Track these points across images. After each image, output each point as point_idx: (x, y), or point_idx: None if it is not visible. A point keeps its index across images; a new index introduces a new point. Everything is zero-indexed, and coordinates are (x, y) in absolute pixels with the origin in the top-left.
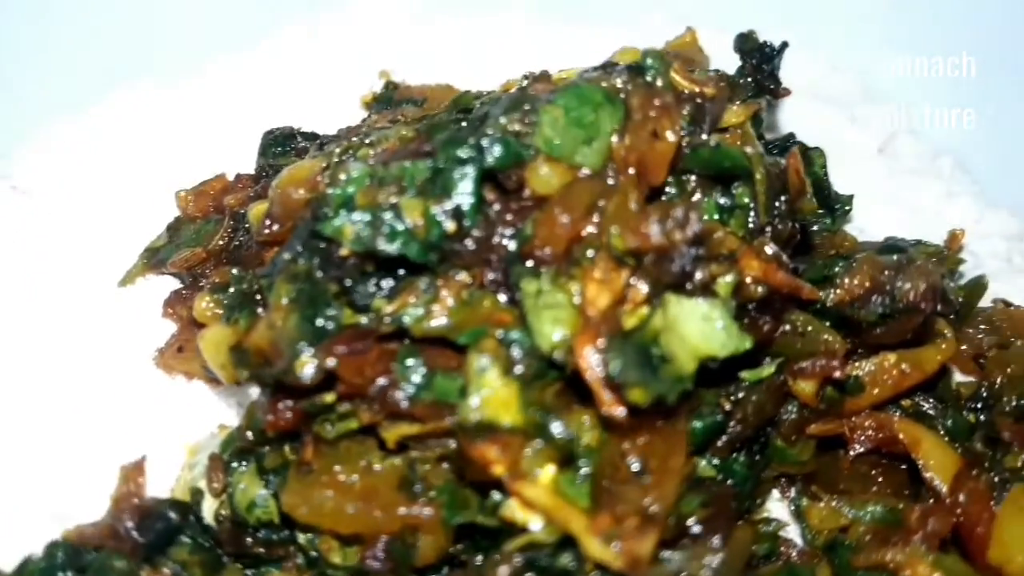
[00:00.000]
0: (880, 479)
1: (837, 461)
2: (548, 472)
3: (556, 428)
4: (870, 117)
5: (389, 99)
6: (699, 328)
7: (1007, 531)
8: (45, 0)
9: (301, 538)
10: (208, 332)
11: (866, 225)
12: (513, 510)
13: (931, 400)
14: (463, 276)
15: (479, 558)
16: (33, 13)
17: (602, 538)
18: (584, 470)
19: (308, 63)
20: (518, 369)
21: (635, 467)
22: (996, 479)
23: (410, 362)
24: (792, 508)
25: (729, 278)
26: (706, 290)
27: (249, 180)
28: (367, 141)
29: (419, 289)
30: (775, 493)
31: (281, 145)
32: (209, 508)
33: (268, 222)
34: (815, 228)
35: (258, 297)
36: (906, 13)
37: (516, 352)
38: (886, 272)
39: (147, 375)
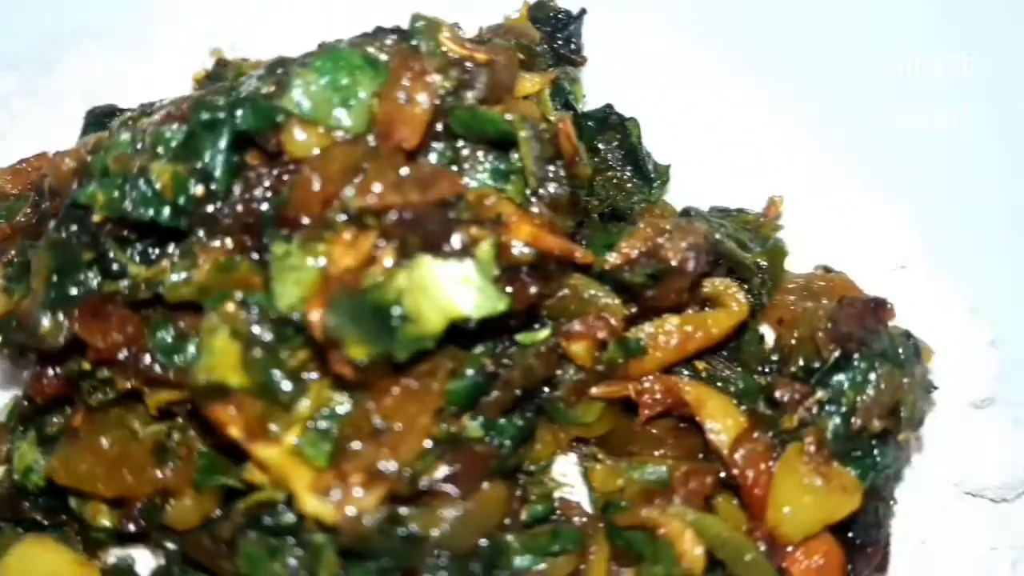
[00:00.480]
0: (671, 442)
1: (631, 425)
2: (288, 434)
3: (288, 389)
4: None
5: (220, 76)
6: (451, 289)
7: (781, 492)
8: None
9: (72, 503)
10: None
11: (698, 196)
12: (251, 472)
13: (728, 363)
14: (225, 242)
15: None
16: None
17: (319, 494)
18: (326, 431)
19: (144, 41)
20: (257, 331)
21: (378, 426)
22: (777, 441)
23: (160, 330)
24: (583, 470)
25: (488, 242)
26: (466, 253)
27: (60, 159)
28: (148, 112)
29: (176, 255)
30: (572, 457)
31: (101, 123)
32: None
33: (50, 195)
34: (634, 199)
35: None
36: None
37: (256, 314)
38: (663, 236)
39: None
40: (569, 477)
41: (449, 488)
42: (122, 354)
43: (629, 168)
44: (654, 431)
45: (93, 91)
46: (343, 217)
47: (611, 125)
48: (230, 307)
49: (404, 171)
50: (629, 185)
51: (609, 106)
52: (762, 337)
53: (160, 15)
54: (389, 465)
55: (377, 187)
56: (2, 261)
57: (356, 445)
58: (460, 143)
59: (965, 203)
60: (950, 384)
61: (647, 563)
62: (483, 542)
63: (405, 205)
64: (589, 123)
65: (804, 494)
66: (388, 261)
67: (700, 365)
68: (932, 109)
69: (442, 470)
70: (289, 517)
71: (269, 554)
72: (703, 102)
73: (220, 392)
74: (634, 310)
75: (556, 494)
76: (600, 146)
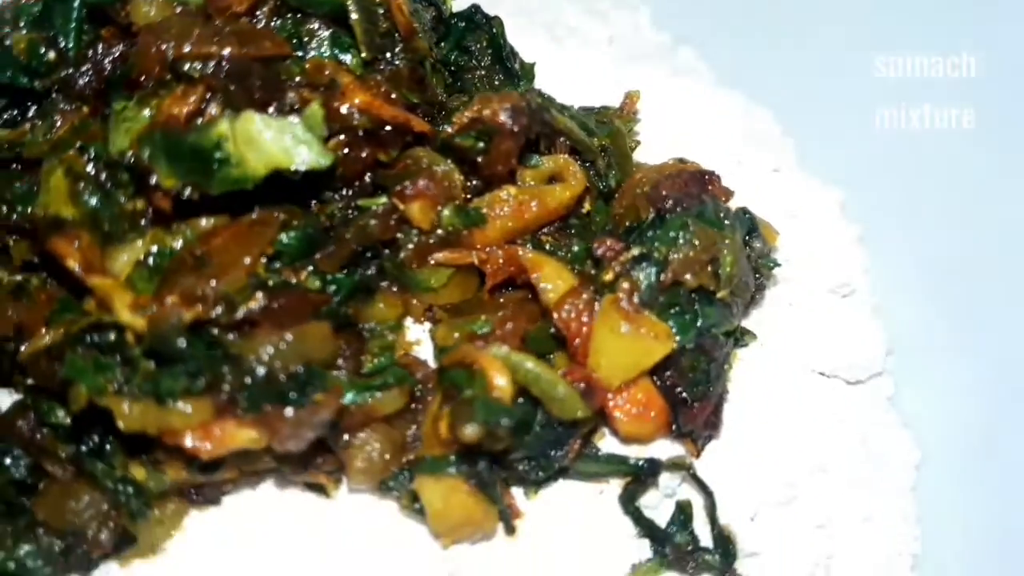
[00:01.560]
0: (516, 310)
1: (480, 295)
2: (123, 268)
3: (114, 220)
4: (609, 10)
5: None
6: (278, 142)
7: (598, 339)
8: None
9: None
10: None
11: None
12: (91, 303)
13: (571, 235)
14: (80, 107)
15: None
16: None
17: (135, 309)
18: (157, 266)
19: None
20: (94, 172)
21: (201, 260)
22: (597, 296)
23: (18, 179)
24: (430, 335)
25: (317, 103)
26: (294, 111)
27: None
28: None
29: (36, 119)
30: (428, 326)
31: None
32: None
33: None
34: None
35: None
36: None
37: (95, 161)
38: (491, 106)
39: None
40: (424, 345)
41: (267, 320)
42: None
43: (496, 66)
44: (501, 301)
45: None
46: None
47: (477, 24)
48: (69, 154)
49: (229, 28)
50: (496, 82)
51: (475, 6)
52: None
53: None
54: (205, 291)
55: (200, 37)
56: None
57: (178, 278)
58: (301, 16)
59: (835, 110)
60: (817, 274)
61: (464, 393)
62: (299, 369)
63: (229, 56)
64: (459, 23)
65: (617, 339)
66: (213, 111)
67: (546, 238)
68: (802, 16)
69: (260, 302)
70: (112, 336)
71: (95, 367)
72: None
73: (57, 225)
74: (475, 183)
75: (405, 353)
76: (468, 45)
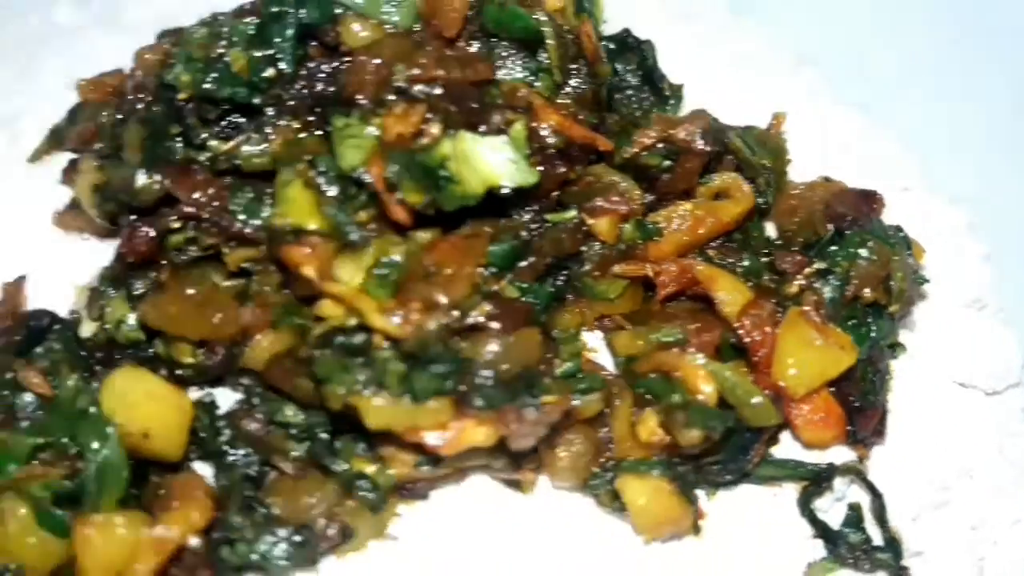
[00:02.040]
0: (686, 319)
1: (650, 305)
2: (355, 275)
3: (355, 231)
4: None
5: None
6: (490, 160)
7: (784, 349)
8: None
9: (160, 347)
10: (80, 177)
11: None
12: (323, 308)
13: (737, 251)
14: (291, 122)
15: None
16: None
17: (387, 315)
18: (386, 276)
19: None
20: (324, 185)
21: (431, 270)
22: (779, 308)
23: (239, 191)
24: (605, 342)
25: (520, 123)
26: (501, 133)
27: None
28: (218, 16)
29: (252, 132)
30: (598, 334)
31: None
32: (89, 330)
33: (132, 91)
34: (652, 116)
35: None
36: None
37: (324, 175)
38: (676, 127)
39: (50, 235)
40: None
41: (493, 325)
42: (207, 211)
43: (646, 88)
44: (670, 311)
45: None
46: (393, 96)
47: (629, 47)
48: (300, 166)
49: (444, 52)
50: (646, 103)
51: (626, 30)
52: (764, 231)
53: None
54: (442, 299)
55: (424, 62)
56: (94, 150)
57: (412, 286)
58: (494, 41)
59: (962, 129)
60: (946, 288)
61: (664, 399)
62: (519, 371)
63: (448, 79)
64: (609, 45)
65: (805, 349)
66: (434, 131)
67: (711, 252)
68: (927, 40)
69: (487, 309)
70: (358, 339)
71: (342, 369)
72: (713, 31)
73: (296, 235)
74: (651, 198)
75: (587, 360)
76: (619, 67)
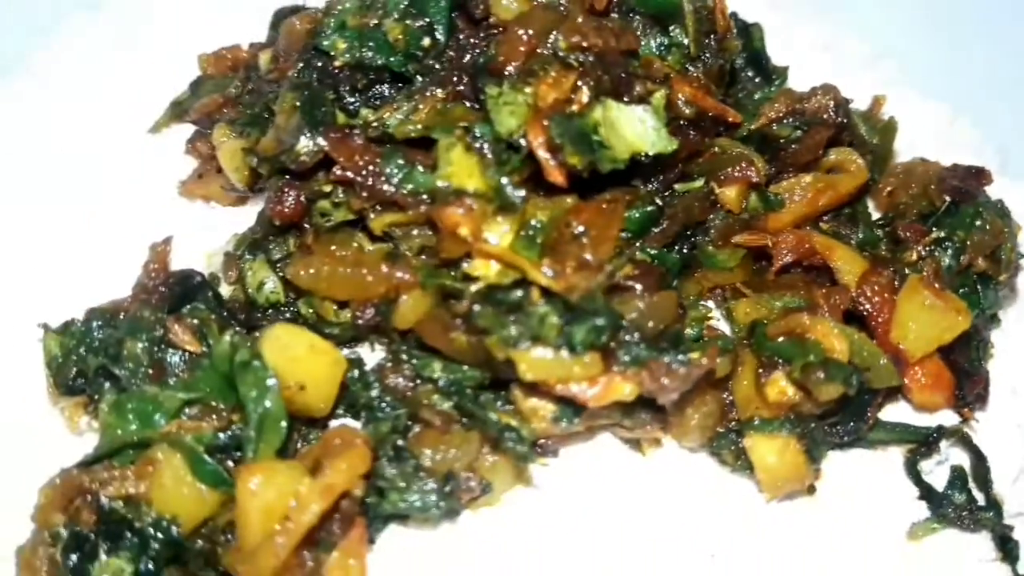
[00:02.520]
0: (799, 289)
1: (765, 274)
2: (506, 233)
3: (513, 194)
4: (818, 22)
5: None
6: (634, 127)
7: (904, 313)
8: None
9: (303, 308)
10: (225, 143)
11: None
12: (474, 267)
13: (846, 223)
14: (440, 91)
15: None
16: None
17: (546, 272)
18: (535, 235)
19: None
20: (481, 149)
21: (579, 231)
22: (896, 275)
23: (392, 157)
24: (723, 311)
25: (661, 93)
26: (642, 101)
27: (262, 46)
28: None
29: (401, 100)
30: (712, 304)
31: (287, 17)
32: (225, 293)
33: (276, 60)
34: (756, 97)
35: (267, 116)
36: None
37: (480, 140)
38: (801, 101)
39: (173, 204)
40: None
41: (636, 284)
42: (361, 175)
43: (751, 68)
44: (783, 281)
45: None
46: (545, 64)
47: (737, 28)
48: (458, 132)
49: (596, 20)
50: (751, 85)
51: (734, 14)
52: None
53: None
54: (591, 258)
55: (584, 30)
56: (227, 120)
57: (556, 245)
58: (632, 16)
59: None
60: None
61: (798, 360)
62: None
63: (603, 47)
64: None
65: (925, 313)
66: (585, 98)
67: (824, 225)
68: (1003, 34)
69: (631, 270)
70: (514, 295)
71: (501, 323)
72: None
73: (456, 195)
74: (771, 171)
75: (709, 325)
76: (732, 32)
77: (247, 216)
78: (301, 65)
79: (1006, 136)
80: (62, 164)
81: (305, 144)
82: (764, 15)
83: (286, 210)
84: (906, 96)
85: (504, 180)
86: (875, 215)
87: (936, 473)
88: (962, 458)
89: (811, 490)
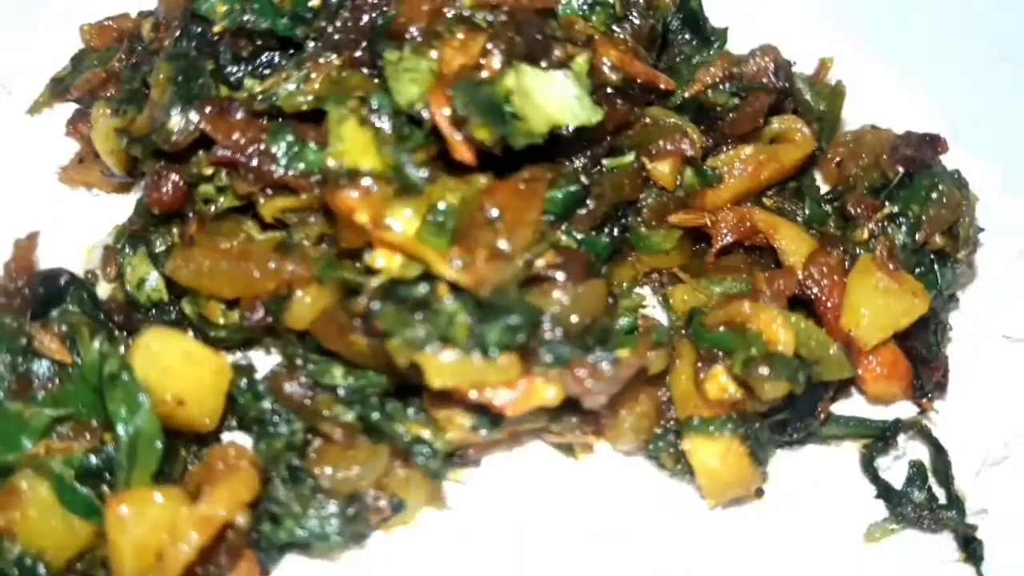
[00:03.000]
0: (741, 271)
1: (704, 256)
2: (410, 219)
3: (415, 173)
4: None
5: None
6: (553, 96)
7: (855, 298)
8: None
9: (187, 308)
10: (99, 124)
11: None
12: (375, 258)
13: (791, 198)
14: (335, 57)
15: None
16: None
17: (454, 264)
18: (442, 223)
19: None
20: (377, 123)
21: (492, 215)
22: (847, 255)
23: (280, 134)
24: (659, 298)
25: (583, 57)
26: (562, 67)
27: (150, 14)
28: None
29: (291, 69)
30: (648, 291)
31: None
32: (104, 292)
33: (156, 29)
34: (693, 61)
35: (146, 92)
36: None
37: (377, 112)
38: (739, 64)
39: (53, 191)
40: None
41: (559, 274)
42: (245, 155)
43: (687, 30)
44: (724, 264)
45: None
46: (451, 26)
47: None
48: (352, 103)
49: None
50: (687, 48)
51: None
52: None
53: None
54: (507, 246)
55: None
56: (106, 98)
57: (468, 231)
58: None
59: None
60: (996, 239)
61: (740, 354)
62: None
63: (515, 5)
64: None
65: (879, 297)
66: (496, 63)
67: (767, 201)
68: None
69: (553, 258)
70: (419, 290)
71: (405, 323)
72: None
73: (350, 177)
74: (708, 143)
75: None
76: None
77: (130, 204)
78: (179, 33)
79: (961, 103)
80: None
81: (177, 121)
82: None
83: (164, 197)
84: (854, 59)
85: (404, 157)
86: (823, 188)
87: (893, 469)
88: (921, 452)
89: (759, 494)
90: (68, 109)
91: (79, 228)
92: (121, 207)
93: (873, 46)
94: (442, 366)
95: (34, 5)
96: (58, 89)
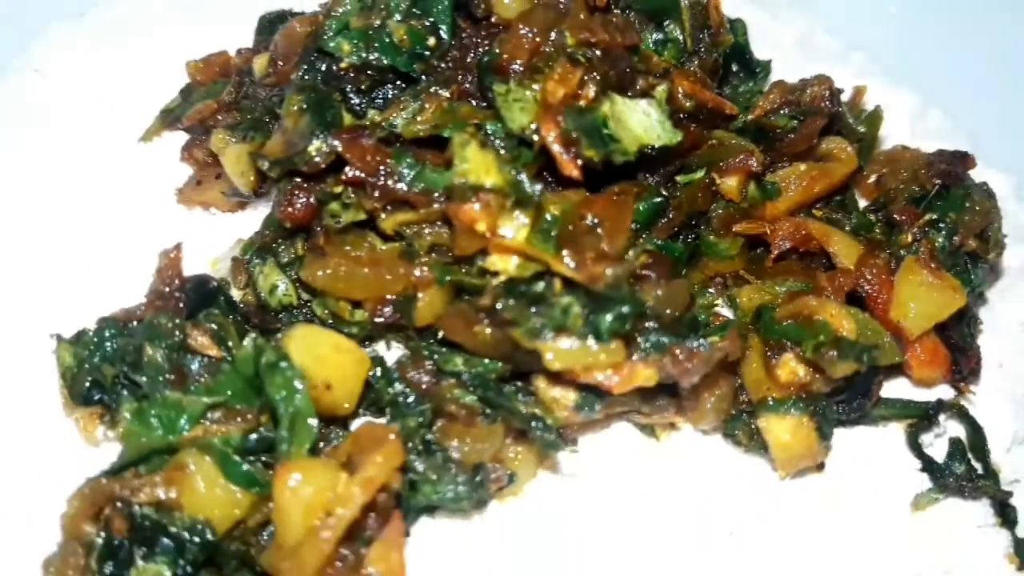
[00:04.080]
0: (800, 272)
1: (763, 261)
2: (523, 227)
3: (529, 187)
4: (792, 17)
5: None
6: (640, 121)
7: (903, 293)
8: None
9: (318, 309)
10: (228, 148)
11: None
12: (492, 262)
13: (837, 210)
14: (445, 90)
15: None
16: None
17: (568, 264)
18: (550, 228)
19: None
20: (495, 145)
21: (593, 223)
22: (892, 257)
23: (403, 157)
24: (727, 300)
25: (663, 87)
26: (645, 96)
27: (249, 51)
28: None
29: (407, 100)
30: (714, 292)
31: (275, 23)
32: (236, 296)
33: (274, 64)
34: (741, 90)
35: (267, 120)
36: None
37: (491, 136)
38: (794, 92)
39: (170, 212)
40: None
41: (651, 273)
42: (374, 175)
43: (735, 62)
44: (780, 268)
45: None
46: (550, 61)
47: None
48: (471, 130)
49: (599, 17)
50: (735, 79)
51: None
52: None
53: None
54: (609, 248)
55: (591, 26)
56: (225, 125)
57: (572, 237)
58: (627, 13)
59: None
60: (1012, 244)
61: (809, 341)
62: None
63: (609, 43)
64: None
65: (923, 292)
66: (591, 92)
67: (817, 212)
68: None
69: (646, 259)
70: (536, 287)
71: (525, 316)
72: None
73: (474, 191)
74: (768, 160)
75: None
76: (726, 26)
77: (245, 221)
78: (305, 67)
79: (976, 123)
80: (54, 176)
81: (317, 146)
82: (742, 10)
83: (297, 212)
84: (878, 87)
85: (520, 174)
86: (861, 203)
87: (936, 446)
88: (959, 430)
89: (821, 467)
90: (175, 137)
91: (199, 243)
92: (235, 225)
93: (896, 73)
94: (560, 351)
95: (138, 43)
96: (168, 119)
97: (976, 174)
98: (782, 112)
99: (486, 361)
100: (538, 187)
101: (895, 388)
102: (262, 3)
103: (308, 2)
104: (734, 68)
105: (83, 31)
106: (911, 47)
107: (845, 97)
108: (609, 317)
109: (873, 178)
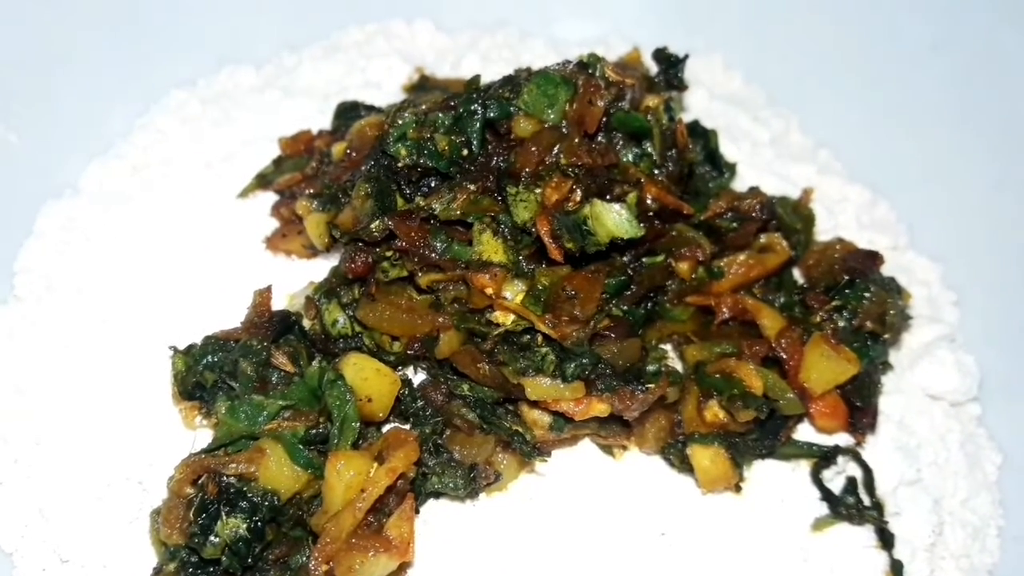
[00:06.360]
0: (735, 337)
1: (710, 326)
2: (519, 293)
3: (526, 266)
4: (769, 118)
5: (422, 86)
6: (613, 219)
7: (808, 361)
8: None
9: (366, 340)
10: (311, 216)
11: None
12: (496, 316)
13: (773, 289)
14: (472, 186)
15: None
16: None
17: (548, 323)
18: (539, 295)
19: (360, 59)
20: (504, 233)
21: (571, 294)
22: (805, 331)
23: (438, 234)
24: (677, 353)
25: (633, 194)
26: (619, 199)
27: (328, 133)
28: (412, 104)
29: (444, 191)
30: (669, 347)
31: (349, 111)
32: (306, 326)
33: (348, 153)
34: (711, 185)
35: (339, 196)
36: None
37: (503, 226)
38: (737, 200)
39: (260, 256)
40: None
41: (611, 334)
42: (416, 246)
43: (707, 164)
44: (725, 331)
45: (324, 87)
46: (550, 173)
47: (698, 133)
48: (486, 219)
49: (591, 144)
50: (708, 176)
51: (696, 121)
52: (793, 277)
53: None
54: (580, 314)
55: (579, 152)
56: (307, 195)
57: (554, 303)
58: (614, 133)
59: (945, 201)
60: (924, 324)
61: (726, 392)
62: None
63: (593, 163)
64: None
65: (824, 362)
66: (577, 198)
67: (756, 291)
68: (925, 129)
69: (607, 322)
70: (525, 339)
71: (514, 359)
72: (754, 117)
73: (486, 265)
74: (716, 249)
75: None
76: (689, 147)
77: (317, 268)
78: (372, 162)
79: (915, 216)
80: (173, 221)
81: (377, 224)
82: (726, 110)
83: (357, 268)
84: (836, 182)
85: (519, 255)
86: (801, 280)
87: (835, 481)
88: (855, 470)
89: (738, 488)
90: (266, 196)
91: (280, 282)
92: (309, 269)
93: (852, 169)
94: (537, 386)
95: (231, 115)
96: (262, 182)
97: (909, 261)
98: (726, 216)
99: (485, 389)
100: (532, 265)
101: (807, 433)
102: (335, 78)
103: (372, 92)
104: (708, 168)
105: (195, 98)
106: (869, 145)
107: (796, 195)
108: (573, 365)
109: (811, 261)
